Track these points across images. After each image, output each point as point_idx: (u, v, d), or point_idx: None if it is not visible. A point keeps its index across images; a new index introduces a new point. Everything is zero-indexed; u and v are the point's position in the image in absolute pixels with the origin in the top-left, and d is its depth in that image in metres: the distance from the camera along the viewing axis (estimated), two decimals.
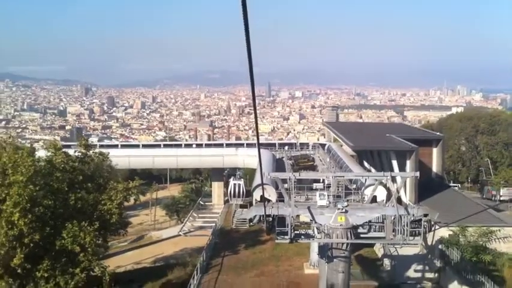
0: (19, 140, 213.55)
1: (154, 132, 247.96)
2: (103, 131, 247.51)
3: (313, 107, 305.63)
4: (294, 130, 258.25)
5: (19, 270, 20.88)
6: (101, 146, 42.63)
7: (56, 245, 21.69)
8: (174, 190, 69.06)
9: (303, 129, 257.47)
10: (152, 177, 65.52)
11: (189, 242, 40.54)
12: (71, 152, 25.92)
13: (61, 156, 24.07)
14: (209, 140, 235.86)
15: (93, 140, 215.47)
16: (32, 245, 20.86)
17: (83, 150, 25.66)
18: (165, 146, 55.52)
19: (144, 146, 55.46)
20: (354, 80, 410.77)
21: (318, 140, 73.41)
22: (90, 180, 24.92)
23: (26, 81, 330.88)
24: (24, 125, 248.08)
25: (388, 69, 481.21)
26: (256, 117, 10.51)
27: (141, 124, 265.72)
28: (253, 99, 8.76)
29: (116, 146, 52.62)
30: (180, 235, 44.25)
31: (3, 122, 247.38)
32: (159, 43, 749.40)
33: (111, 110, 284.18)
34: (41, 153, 29.21)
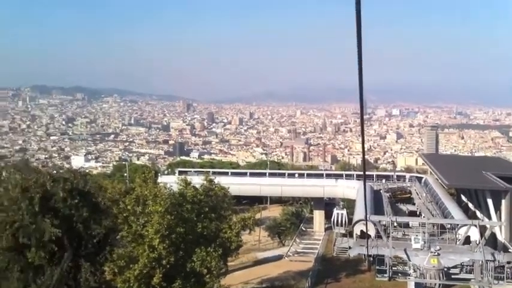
0: (127, 153, 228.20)
1: (252, 148, 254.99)
2: (203, 146, 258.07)
3: (411, 125, 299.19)
4: (391, 150, 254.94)
5: None
6: (214, 173, 47.03)
7: (187, 267, 25.76)
8: (274, 211, 72.56)
9: (401, 149, 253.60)
10: (254, 197, 69.32)
11: (292, 266, 43.54)
12: (194, 178, 30.09)
13: (191, 190, 28.27)
14: (305, 158, 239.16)
15: (195, 154, 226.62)
16: (168, 266, 25.07)
17: (208, 185, 29.81)
18: (270, 175, 59.71)
19: (252, 174, 59.96)
20: (453, 97, 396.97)
21: (416, 162, 74.26)
22: (213, 211, 28.96)
23: (133, 96, 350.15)
24: (131, 139, 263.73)
25: (491, 87, 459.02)
26: (364, 154, 13.03)
27: (239, 140, 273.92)
28: (362, 131, 9.67)
29: (226, 173, 57.38)
30: (283, 258, 47.49)
31: (112, 136, 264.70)
32: (255, 60, 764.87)
33: (211, 126, 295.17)
34: (164, 179, 34.02)
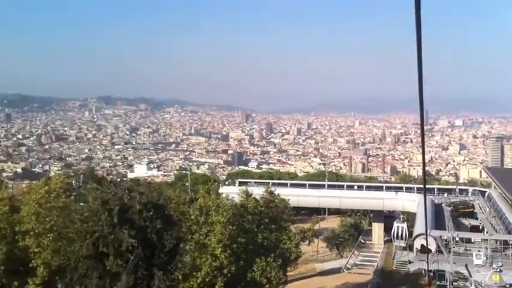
0: (187, 162, 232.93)
1: (310, 158, 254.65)
2: (261, 156, 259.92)
3: (475, 136, 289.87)
4: (454, 161, 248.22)
5: None
6: (273, 184, 47.90)
7: (248, 277, 26.62)
8: (332, 222, 72.65)
9: (464, 160, 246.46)
10: (312, 208, 69.60)
11: (351, 278, 43.66)
12: (254, 189, 30.99)
13: (252, 202, 29.16)
14: (363, 169, 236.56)
15: (253, 164, 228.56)
16: (229, 275, 25.98)
17: (268, 197, 30.68)
18: (329, 186, 59.98)
19: (311, 186, 60.44)
20: None
21: (480, 174, 72.45)
22: (273, 222, 29.77)
23: (193, 107, 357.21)
24: (191, 148, 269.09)
25: None
26: (424, 166, 13.31)
27: (297, 150, 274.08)
28: (422, 141, 9.56)
29: (285, 185, 58.15)
30: (342, 270, 47.64)
31: (173, 145, 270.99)
32: (314, 70, 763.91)
33: (269, 136, 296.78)
34: (225, 190, 35.08)
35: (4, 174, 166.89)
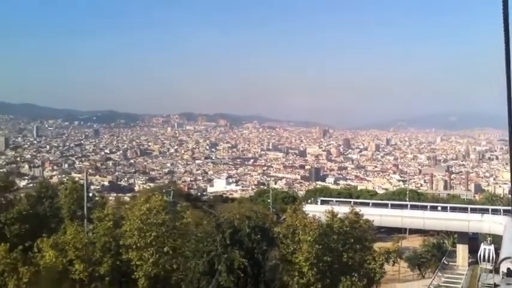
0: (265, 177, 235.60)
1: (389, 175, 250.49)
2: (339, 172, 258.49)
3: None
4: None
5: None
6: (355, 203, 48.57)
7: None
8: (414, 241, 71.96)
9: None
10: (394, 228, 69.26)
11: None
12: (335, 208, 32.00)
13: (337, 222, 30.29)
14: (445, 186, 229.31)
15: (330, 180, 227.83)
16: None
17: (353, 217, 31.66)
18: (412, 207, 59.66)
19: (393, 205, 60.39)
20: None
21: None
22: (358, 242, 30.72)
23: (271, 122, 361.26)
24: (269, 163, 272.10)
25: None
26: None
27: (375, 166, 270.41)
28: (511, 161, 9.14)
29: (367, 204, 58.49)
30: None
31: (252, 160, 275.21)
32: (391, 86, 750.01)
33: (347, 152, 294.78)
34: (308, 208, 36.32)
35: (92, 187, 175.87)
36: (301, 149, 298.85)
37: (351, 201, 52.12)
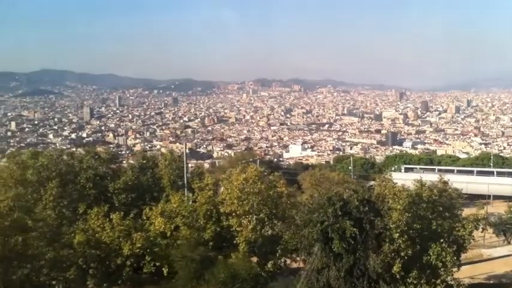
0: (340, 142, 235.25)
1: (469, 138, 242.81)
2: (417, 136, 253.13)
3: None
4: None
5: (398, 276, 28.80)
6: (439, 171, 48.81)
7: (423, 260, 28.93)
8: (499, 207, 70.83)
9: None
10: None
11: None
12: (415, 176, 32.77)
13: (426, 191, 31.20)
14: None
15: (408, 144, 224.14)
16: (406, 258, 28.48)
17: (442, 186, 32.37)
18: (498, 174, 58.88)
19: (479, 172, 59.70)
20: None
21: None
22: (447, 210, 31.50)
23: (345, 86, 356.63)
24: (344, 129, 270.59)
25: None
26: None
27: (455, 129, 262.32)
28: None
29: (452, 171, 58.33)
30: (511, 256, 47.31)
31: (326, 126, 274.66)
32: (473, 42, 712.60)
33: (425, 115, 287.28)
34: (394, 176, 37.19)
35: (162, 150, 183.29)
36: (377, 112, 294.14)
37: (435, 169, 52.32)
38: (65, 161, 39.99)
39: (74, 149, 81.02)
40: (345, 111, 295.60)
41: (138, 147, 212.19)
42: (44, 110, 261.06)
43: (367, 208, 18.97)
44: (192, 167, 50.54)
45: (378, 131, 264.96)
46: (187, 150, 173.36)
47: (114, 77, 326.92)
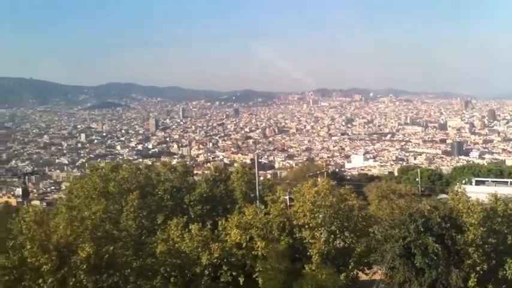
0: (403, 152, 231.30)
1: None
2: (484, 146, 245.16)
3: None
4: None
5: None
6: None
7: (499, 275, 28.78)
8: None
9: None
10: None
11: None
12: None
13: (501, 205, 31.00)
14: None
15: (474, 154, 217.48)
16: (481, 272, 28.35)
17: None
18: None
19: None
20: None
21: None
22: None
23: (408, 95, 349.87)
24: (407, 139, 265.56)
25: None
26: None
27: None
28: None
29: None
30: None
31: (389, 135, 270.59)
32: None
33: (492, 124, 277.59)
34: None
35: (235, 164, 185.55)
36: (441, 122, 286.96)
37: (507, 182, 51.09)
38: (143, 173, 42.10)
39: (150, 162, 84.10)
40: (408, 121, 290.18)
41: (201, 158, 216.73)
42: (111, 122, 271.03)
43: (448, 224, 19.44)
44: (262, 179, 51.68)
45: (443, 141, 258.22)
46: (248, 161, 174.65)
47: (178, 89, 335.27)
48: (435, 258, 18.93)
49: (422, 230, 19.59)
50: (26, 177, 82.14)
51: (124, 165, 44.31)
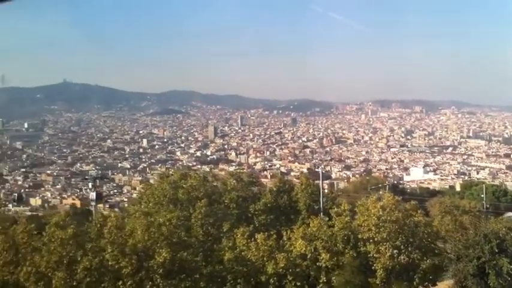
0: (465, 166, 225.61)
1: None
2: None
3: None
4: None
5: None
6: None
7: None
8: None
9: None
10: None
11: None
12: None
13: None
14: None
15: None
16: None
17: None
18: None
19: None
20: None
21: None
22: None
23: (471, 108, 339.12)
24: (469, 152, 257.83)
25: None
26: None
27: None
28: None
29: None
30: None
31: (450, 149, 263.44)
32: None
33: None
34: None
35: (292, 173, 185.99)
36: (506, 136, 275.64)
37: None
38: (210, 182, 43.52)
39: (208, 168, 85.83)
40: (471, 134, 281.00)
41: (258, 166, 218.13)
42: (172, 128, 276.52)
43: None
44: (326, 191, 52.14)
45: (508, 155, 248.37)
46: (305, 170, 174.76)
47: (237, 98, 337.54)
48: (509, 279, 19.03)
49: (496, 251, 19.75)
50: (97, 181, 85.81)
51: (192, 173, 45.88)
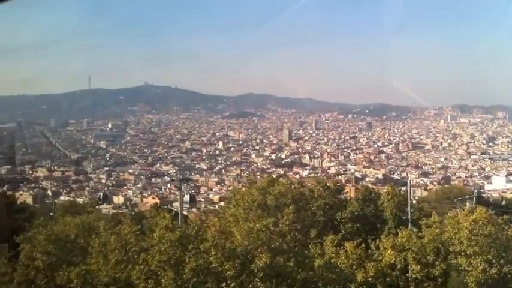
0: None
1: None
2: None
3: None
4: None
5: None
6: None
7: None
8: None
9: None
10: None
11: None
12: None
13: None
14: None
15: None
16: None
17: None
18: None
19: None
20: None
21: None
22: None
23: None
24: None
25: None
26: None
27: None
28: None
29: None
30: None
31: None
32: None
33: None
34: None
35: (367, 179, 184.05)
36: None
37: None
38: (297, 189, 44.69)
39: (282, 171, 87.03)
40: None
41: (332, 170, 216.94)
42: (247, 131, 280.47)
43: None
44: (415, 202, 51.98)
45: None
46: (380, 176, 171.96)
47: (312, 101, 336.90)
48: None
49: None
50: (182, 182, 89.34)
51: (280, 180, 47.24)
